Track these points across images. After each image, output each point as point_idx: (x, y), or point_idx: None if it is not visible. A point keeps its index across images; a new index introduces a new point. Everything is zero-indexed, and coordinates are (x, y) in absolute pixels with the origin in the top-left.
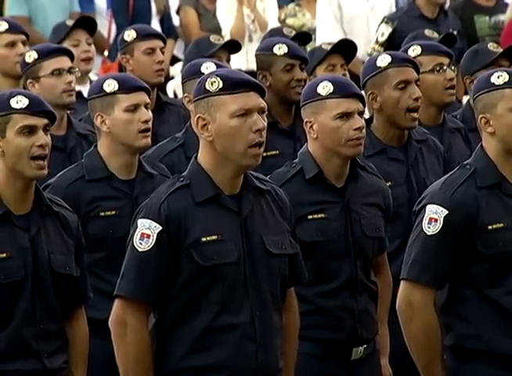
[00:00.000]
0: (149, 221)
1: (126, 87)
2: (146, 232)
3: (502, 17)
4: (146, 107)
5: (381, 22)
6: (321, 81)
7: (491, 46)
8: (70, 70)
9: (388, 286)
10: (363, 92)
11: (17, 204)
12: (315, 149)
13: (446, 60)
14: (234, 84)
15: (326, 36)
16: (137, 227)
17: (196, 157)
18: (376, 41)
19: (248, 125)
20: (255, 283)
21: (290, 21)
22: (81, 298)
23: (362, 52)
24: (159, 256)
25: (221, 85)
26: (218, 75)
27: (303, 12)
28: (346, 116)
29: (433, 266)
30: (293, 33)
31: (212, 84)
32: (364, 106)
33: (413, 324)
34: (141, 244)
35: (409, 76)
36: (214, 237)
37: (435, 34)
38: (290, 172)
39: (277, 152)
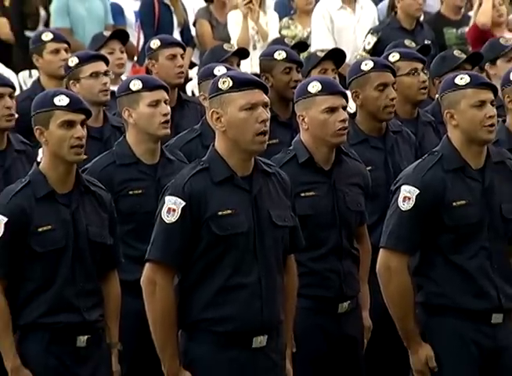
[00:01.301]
0: (174, 198)
1: (149, 86)
2: (172, 207)
3: (467, 29)
4: (166, 103)
5: (368, 33)
6: (311, 81)
7: (456, 53)
8: (105, 73)
9: (368, 252)
10: (348, 91)
11: (60, 184)
12: (306, 138)
13: (420, 65)
14: (242, 83)
15: (319, 44)
16: (164, 203)
17: (213, 145)
18: (364, 49)
19: (254, 117)
20: (262, 250)
21: (284, 32)
22: (114, 262)
23: (349, 58)
24: (183, 227)
25: (231, 84)
26: (228, 76)
27: (295, 25)
28: (332, 110)
29: (407, 237)
30: (293, 42)
31: (224, 83)
32: (347, 102)
33: (391, 285)
34: (168, 216)
35: (387, 80)
36: (229, 211)
37: (413, 44)
38: (286, 158)
39: (277, 141)
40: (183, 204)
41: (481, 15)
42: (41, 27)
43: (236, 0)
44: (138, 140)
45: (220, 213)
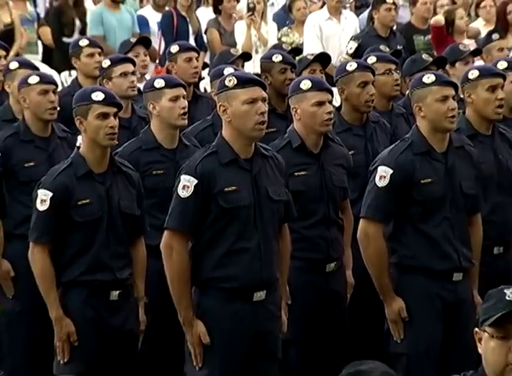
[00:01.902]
0: (188, 176)
1: (170, 84)
2: (186, 184)
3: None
4: (183, 98)
5: (350, 39)
6: (302, 80)
7: (424, 56)
8: (132, 73)
9: (350, 222)
10: (335, 88)
11: (96, 165)
12: (298, 127)
13: (393, 66)
14: (244, 81)
15: (310, 49)
16: (180, 181)
17: (221, 133)
18: (347, 53)
19: (255, 110)
20: (261, 221)
21: (283, 39)
22: (141, 230)
23: (335, 60)
24: (195, 201)
25: (235, 82)
26: (233, 75)
27: (293, 33)
28: (320, 104)
29: (383, 208)
30: (289, 48)
31: (229, 81)
32: (332, 97)
33: (369, 249)
34: (183, 192)
35: (368, 78)
36: (233, 188)
37: (387, 49)
38: (282, 143)
39: (275, 129)
40: (195, 181)
41: (435, 18)
42: (76, 35)
43: (241, 12)
44: (161, 129)
45: (226, 189)
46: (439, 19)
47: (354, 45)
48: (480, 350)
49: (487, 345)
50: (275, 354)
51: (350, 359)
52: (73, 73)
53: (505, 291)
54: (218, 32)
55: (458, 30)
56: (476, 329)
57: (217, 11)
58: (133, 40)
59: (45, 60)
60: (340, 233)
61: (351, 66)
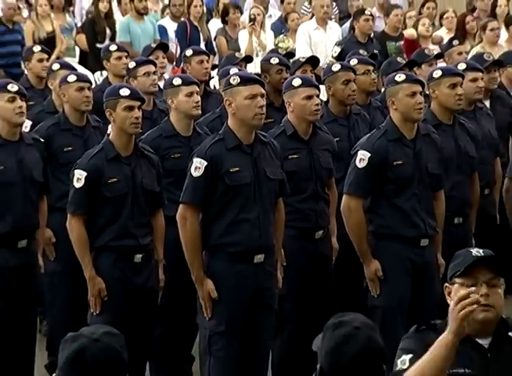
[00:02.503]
0: (200, 159)
1: (185, 82)
2: (198, 165)
3: (402, 42)
4: (197, 94)
5: (334, 45)
6: (294, 78)
7: (399, 59)
8: (154, 73)
9: (335, 197)
10: (322, 85)
11: (123, 149)
12: (291, 117)
13: (371, 67)
14: (246, 80)
15: (301, 53)
16: (193, 163)
17: (227, 123)
18: (332, 56)
19: (254, 103)
20: (260, 196)
21: (279, 44)
22: (160, 203)
23: (322, 63)
24: (205, 180)
25: (239, 81)
26: (237, 75)
27: (288, 40)
28: (309, 98)
29: (362, 186)
30: (284, 52)
31: (234, 80)
32: (319, 92)
33: (351, 219)
34: (195, 172)
35: (350, 77)
36: (237, 169)
37: (365, 53)
38: (277, 131)
39: (272, 120)
40: (206, 163)
41: (408, 31)
42: (107, 41)
43: (244, 22)
44: (178, 119)
45: (231, 170)
46: (412, 33)
47: (338, 49)
48: (449, 301)
49: (457, 290)
50: (273, 307)
51: (335, 311)
52: (104, 73)
53: (470, 250)
54: (225, 39)
55: (422, 36)
56: (446, 284)
57: (224, 21)
58: (154, 45)
59: (81, 62)
60: (326, 206)
61: (336, 67)
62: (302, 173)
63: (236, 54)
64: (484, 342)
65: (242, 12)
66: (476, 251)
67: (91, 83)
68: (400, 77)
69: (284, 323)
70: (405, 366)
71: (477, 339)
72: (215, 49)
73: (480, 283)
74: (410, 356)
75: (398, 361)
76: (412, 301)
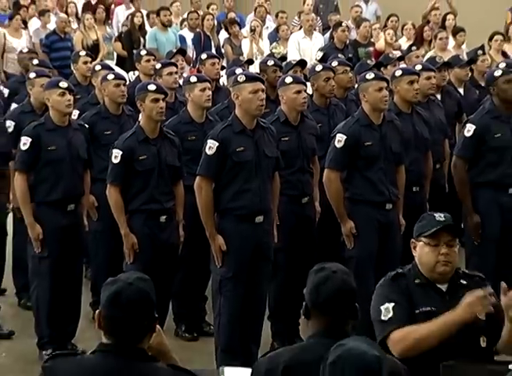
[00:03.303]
0: (213, 140)
1: (200, 80)
2: (211, 145)
3: (371, 48)
4: (209, 89)
5: (318, 50)
6: (286, 76)
7: (368, 62)
8: (175, 72)
9: (318, 170)
10: (308, 82)
11: (151, 133)
12: (284, 108)
13: (348, 68)
14: (250, 78)
15: (292, 57)
16: (207, 143)
17: (234, 112)
18: (316, 59)
19: (256, 97)
20: (260, 170)
21: (274, 50)
22: (180, 176)
23: (308, 65)
24: (217, 157)
25: (244, 79)
26: (243, 74)
27: (280, 46)
28: (298, 92)
29: (340, 162)
30: (278, 56)
31: (240, 78)
32: (306, 88)
33: (331, 188)
34: (209, 151)
35: (330, 76)
36: (242, 148)
37: (342, 57)
38: (273, 119)
39: (269, 110)
40: (217, 144)
41: (378, 44)
42: (141, 47)
43: (246, 33)
44: (194, 109)
45: (237, 150)
46: (382, 45)
47: (320, 54)
48: (414, 253)
49: (422, 250)
50: (269, 257)
51: (318, 261)
52: (136, 72)
53: (434, 214)
54: (230, 46)
55: (387, 43)
56: (412, 240)
57: (229, 33)
58: (175, 50)
59: (117, 64)
60: (311, 178)
61: (319, 67)
62: (292, 152)
63: (240, 58)
64: (443, 287)
65: (240, 26)
66: (438, 216)
67: (125, 80)
68: (370, 75)
69: (278, 270)
70: (390, 314)
71: (437, 285)
72: (223, 54)
73: (441, 244)
74: (392, 304)
75: (382, 308)
76: (379, 253)
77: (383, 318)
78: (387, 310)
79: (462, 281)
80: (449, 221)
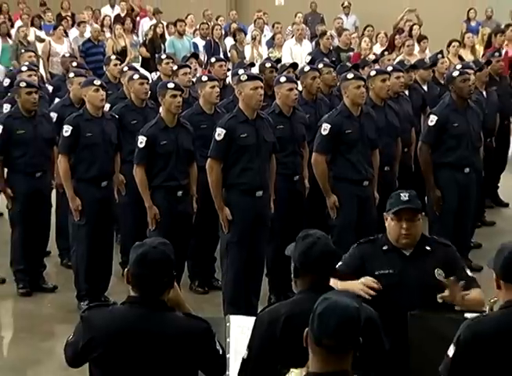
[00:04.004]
0: (221, 128)
1: (210, 79)
2: (220, 133)
3: (351, 53)
4: (217, 87)
5: (307, 54)
6: (281, 76)
7: (347, 64)
8: (189, 73)
9: (307, 154)
10: (299, 81)
11: (170, 122)
12: (279, 102)
13: (332, 69)
14: (251, 77)
15: (286, 60)
16: (216, 131)
17: (238, 106)
18: (305, 62)
19: (256, 93)
20: (260, 153)
21: (271, 55)
22: (194, 158)
23: (300, 67)
24: (224, 142)
25: (246, 78)
26: (245, 74)
27: (276, 51)
28: (290, 89)
29: (325, 146)
30: (274, 60)
31: (242, 77)
32: (297, 85)
33: (317, 169)
34: (218, 137)
35: (316, 75)
36: (245, 135)
37: (327, 60)
38: (270, 111)
39: (266, 104)
40: (225, 131)
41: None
42: (162, 52)
43: (248, 40)
44: (205, 103)
45: (241, 136)
46: (360, 50)
47: (309, 57)
48: (386, 225)
49: (389, 223)
50: (267, 225)
51: (307, 228)
52: (157, 73)
53: (400, 193)
54: (235, 51)
55: (364, 49)
56: (384, 213)
57: (235, 40)
58: (189, 55)
59: (142, 66)
60: (301, 160)
61: (307, 69)
62: (285, 138)
63: (244, 61)
64: (407, 252)
65: (245, 34)
66: (403, 196)
67: (148, 79)
68: (350, 75)
69: (274, 235)
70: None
71: (402, 250)
72: (230, 58)
73: (403, 220)
74: (340, 262)
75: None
76: (358, 222)
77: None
78: (341, 261)
79: (427, 247)
80: (412, 200)
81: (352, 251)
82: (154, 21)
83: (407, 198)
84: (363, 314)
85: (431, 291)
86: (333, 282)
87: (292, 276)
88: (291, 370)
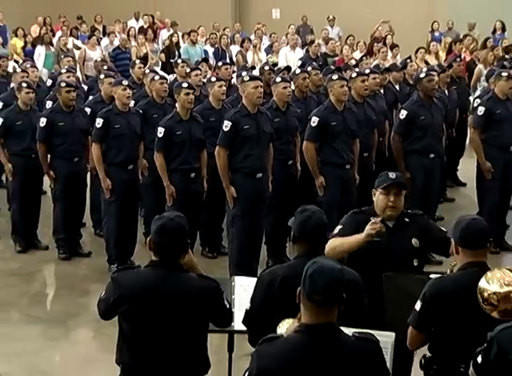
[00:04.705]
0: (227, 121)
1: (218, 80)
2: (226, 124)
3: (336, 58)
4: (224, 86)
5: (298, 59)
6: (277, 77)
7: (331, 67)
8: (200, 74)
9: (299, 142)
10: (292, 81)
11: (184, 116)
12: (276, 99)
13: (319, 72)
14: (252, 78)
15: (281, 64)
16: (224, 123)
17: (242, 102)
18: (297, 66)
19: (257, 91)
20: (260, 142)
21: (269, 60)
22: (204, 145)
23: (292, 69)
24: (230, 132)
25: (248, 78)
26: (247, 75)
27: (273, 57)
28: (285, 88)
29: (314, 136)
30: (272, 64)
31: (245, 78)
32: (291, 85)
33: (308, 154)
34: (224, 128)
35: (305, 76)
36: (247, 127)
37: (315, 64)
38: (268, 106)
39: (265, 100)
40: (230, 123)
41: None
42: (177, 58)
43: (251, 47)
44: (214, 100)
45: (244, 127)
46: (343, 56)
47: (299, 62)
48: (374, 199)
49: (378, 197)
50: (266, 201)
51: (299, 204)
52: (174, 75)
53: (389, 173)
54: (241, 56)
55: (345, 55)
56: (373, 190)
57: (242, 46)
58: (200, 60)
59: (162, 69)
60: (294, 147)
61: (298, 71)
62: (281, 129)
63: (247, 65)
64: (390, 224)
65: (250, 41)
66: (391, 174)
67: (167, 80)
68: (335, 77)
69: (271, 210)
70: (335, 231)
71: (387, 222)
72: (235, 62)
73: (391, 194)
74: (340, 227)
75: (337, 227)
76: (341, 199)
77: (335, 231)
78: (336, 229)
79: (405, 219)
80: (399, 178)
81: (349, 219)
82: (171, 32)
83: (395, 176)
84: (347, 276)
85: (409, 256)
86: (338, 240)
87: (291, 242)
88: (285, 320)
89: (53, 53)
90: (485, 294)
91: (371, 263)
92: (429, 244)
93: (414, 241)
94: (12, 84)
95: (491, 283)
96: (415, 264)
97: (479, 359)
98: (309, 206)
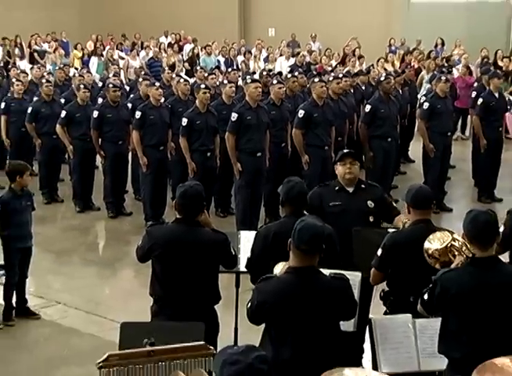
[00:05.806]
0: (235, 113)
1: (228, 82)
2: (234, 115)
3: (317, 66)
4: (233, 87)
5: (288, 66)
6: (273, 80)
7: (314, 72)
8: (215, 78)
9: (289, 129)
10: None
11: (202, 109)
12: (272, 97)
13: (304, 76)
14: (253, 81)
15: (276, 70)
16: (232, 115)
17: (245, 99)
18: (287, 71)
19: (257, 91)
20: (259, 129)
21: (266, 67)
22: (217, 131)
23: (284, 74)
24: (238, 122)
25: (250, 81)
26: (249, 79)
27: (270, 65)
28: (279, 88)
29: (301, 125)
30: (269, 70)
31: (248, 80)
32: (283, 86)
33: (296, 139)
34: (233, 119)
35: (294, 80)
36: (249, 117)
37: (301, 70)
38: (265, 102)
39: (263, 97)
40: (237, 115)
41: (319, 66)
42: (197, 66)
43: (252, 56)
44: (225, 97)
45: (247, 118)
46: (322, 64)
47: (289, 68)
48: (336, 172)
49: (338, 168)
50: (264, 174)
51: (289, 175)
52: (195, 79)
53: (344, 151)
54: (244, 64)
55: (324, 64)
56: (334, 166)
57: (245, 57)
58: (214, 67)
59: (186, 74)
60: (286, 133)
61: (289, 76)
62: (276, 119)
63: (249, 71)
64: (350, 189)
65: (251, 53)
66: (345, 151)
67: (189, 82)
68: (316, 80)
69: (268, 180)
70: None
71: (347, 188)
72: (240, 69)
73: (347, 163)
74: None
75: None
76: (321, 172)
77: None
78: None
79: (362, 186)
80: (351, 151)
81: (316, 190)
82: (193, 46)
83: (347, 151)
84: (326, 230)
85: (366, 215)
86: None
87: (280, 205)
88: (278, 264)
89: (103, 62)
90: (430, 252)
91: (338, 222)
92: (381, 210)
93: (369, 203)
94: (72, 86)
95: (433, 243)
96: (371, 220)
97: (425, 296)
98: (293, 177)
